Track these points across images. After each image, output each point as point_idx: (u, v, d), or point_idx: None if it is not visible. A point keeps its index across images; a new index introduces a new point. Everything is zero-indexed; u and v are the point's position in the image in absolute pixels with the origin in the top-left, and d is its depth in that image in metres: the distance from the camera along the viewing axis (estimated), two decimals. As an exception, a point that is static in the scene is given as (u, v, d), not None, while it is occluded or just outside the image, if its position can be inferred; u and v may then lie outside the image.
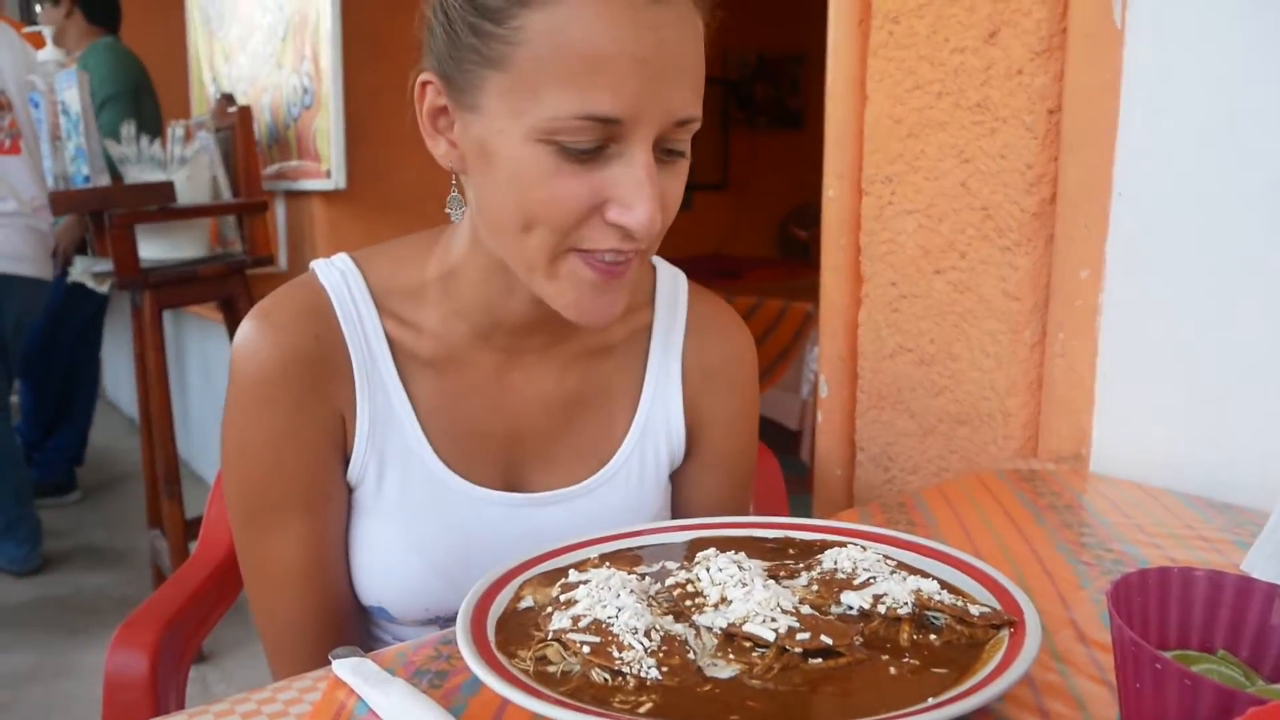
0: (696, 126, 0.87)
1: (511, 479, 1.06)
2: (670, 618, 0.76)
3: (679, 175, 0.89)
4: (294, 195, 4.30)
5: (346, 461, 1.02)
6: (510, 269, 0.92)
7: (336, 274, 1.02)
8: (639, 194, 0.82)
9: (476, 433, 1.04)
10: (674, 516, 1.16)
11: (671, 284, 1.14)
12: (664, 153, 0.86)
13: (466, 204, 0.96)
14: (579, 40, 0.80)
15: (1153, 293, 1.29)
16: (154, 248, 3.18)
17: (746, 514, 1.22)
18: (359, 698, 0.75)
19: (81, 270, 3.19)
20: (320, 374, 0.99)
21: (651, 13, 0.80)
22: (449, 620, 0.99)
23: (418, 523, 1.02)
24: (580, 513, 1.06)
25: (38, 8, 4.18)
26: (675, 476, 1.16)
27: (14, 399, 4.09)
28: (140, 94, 4.25)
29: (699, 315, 1.13)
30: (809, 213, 6.25)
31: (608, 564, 0.84)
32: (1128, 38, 1.28)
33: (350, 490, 1.04)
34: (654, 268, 1.15)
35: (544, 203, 0.84)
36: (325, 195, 4.01)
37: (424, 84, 0.91)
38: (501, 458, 1.06)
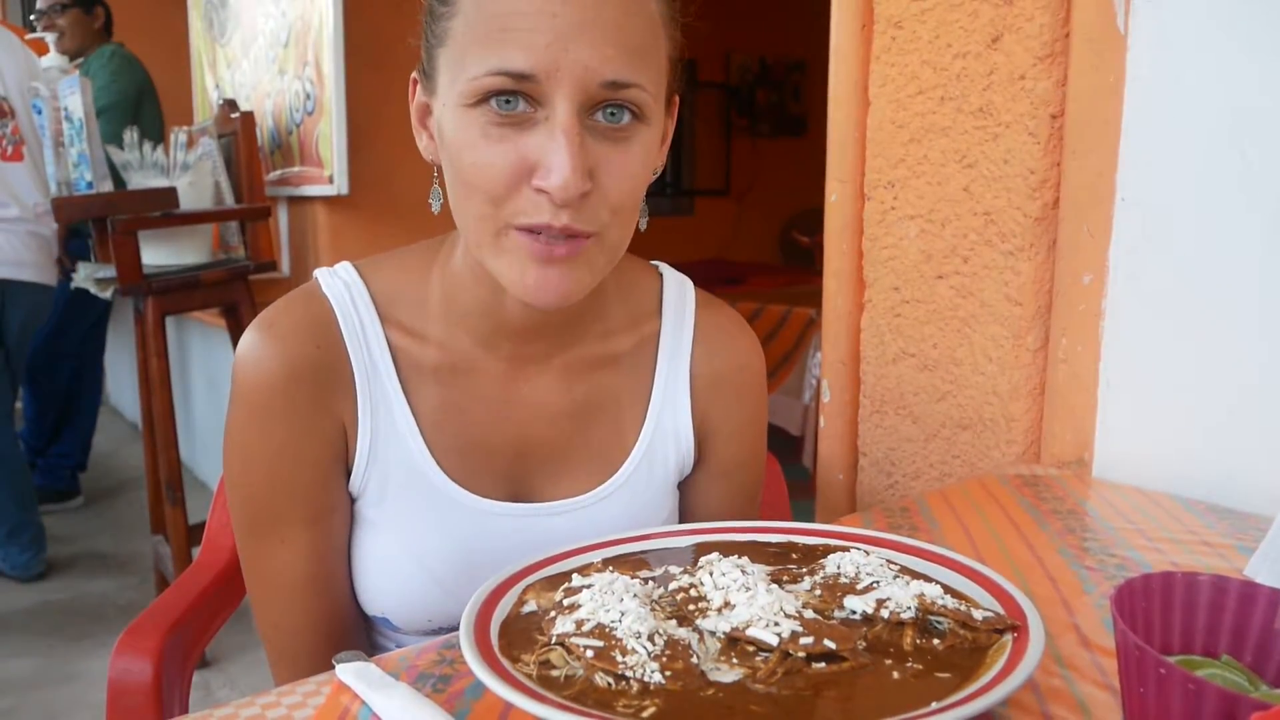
0: (638, 95, 0.85)
1: (518, 490, 1.06)
2: (674, 622, 0.76)
3: (627, 151, 0.86)
4: (296, 201, 4.31)
5: (349, 472, 1.02)
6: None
7: (340, 284, 1.02)
8: (556, 155, 0.82)
9: (482, 444, 1.04)
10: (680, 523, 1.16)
11: (679, 292, 1.13)
12: (604, 120, 0.85)
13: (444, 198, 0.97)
14: (497, 0, 0.82)
15: (1156, 298, 1.29)
16: (157, 254, 3.18)
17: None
18: (362, 702, 0.75)
19: (84, 276, 3.19)
20: (323, 386, 0.98)
21: None
22: (452, 630, 0.99)
23: (420, 535, 1.02)
24: (588, 523, 1.05)
25: (59, 20, 4.19)
26: (683, 485, 1.16)
27: (17, 405, 4.10)
28: (142, 100, 4.26)
29: (707, 323, 1.13)
30: (811, 218, 6.25)
31: (611, 568, 0.84)
32: (1131, 42, 1.28)
33: (352, 500, 1.04)
34: (660, 275, 1.15)
35: (474, 168, 0.85)
36: (328, 201, 4.02)
37: (413, 82, 0.96)
38: (507, 469, 1.05)
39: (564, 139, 0.82)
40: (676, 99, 0.97)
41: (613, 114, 0.85)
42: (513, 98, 0.83)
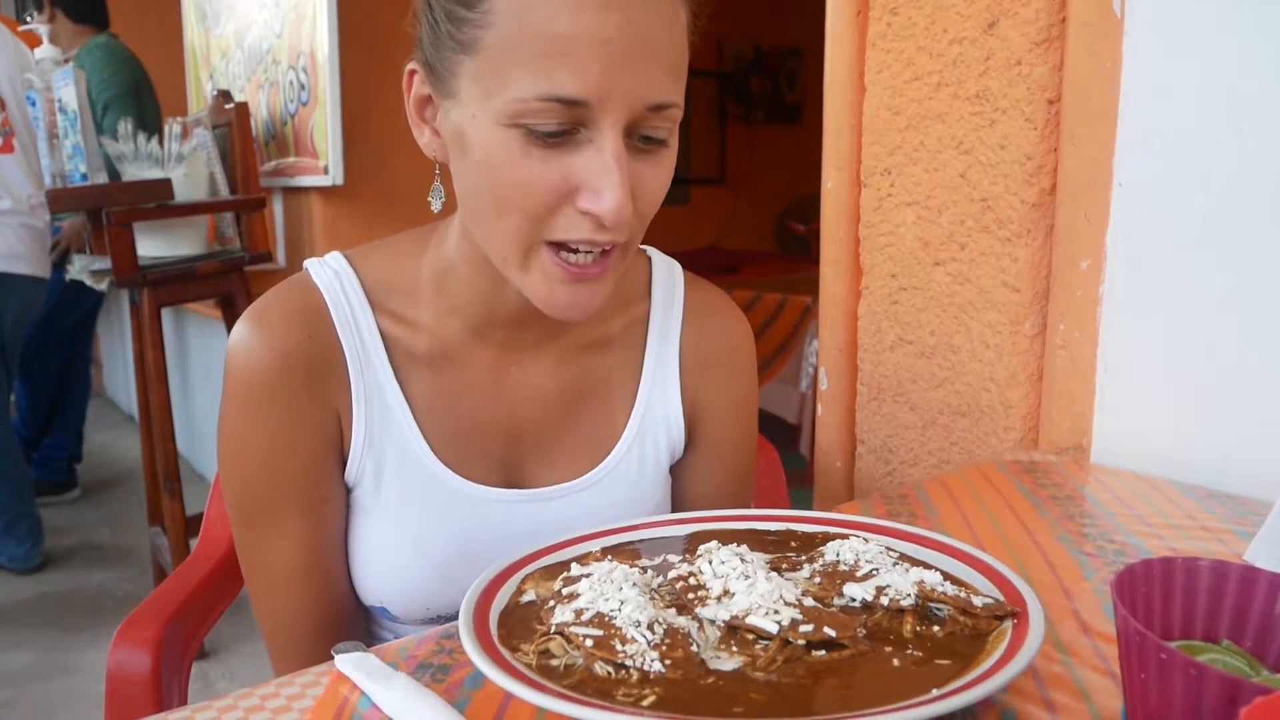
0: (676, 114, 0.85)
1: (511, 476, 1.06)
2: (673, 611, 0.76)
3: (660, 165, 0.87)
4: (291, 192, 4.29)
5: (344, 461, 1.02)
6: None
7: (330, 273, 1.02)
8: (608, 180, 0.81)
9: (475, 430, 1.04)
10: (674, 508, 1.16)
11: (667, 274, 1.14)
12: (641, 140, 0.85)
13: (446, 195, 0.97)
14: (543, 20, 0.80)
15: (1153, 283, 1.29)
16: (152, 245, 3.18)
17: (747, 505, 1.22)
18: (361, 692, 0.74)
19: (80, 268, 3.18)
20: (316, 375, 0.98)
21: None
22: (450, 619, 0.99)
23: (417, 522, 1.02)
24: (581, 507, 1.06)
25: (28, 18, 4.13)
26: (675, 468, 1.16)
27: (10, 397, 4.09)
28: (140, 92, 4.24)
29: (695, 304, 1.13)
30: (807, 206, 6.25)
31: (610, 557, 0.84)
32: (1127, 27, 1.28)
33: (348, 490, 1.04)
34: (649, 259, 1.15)
35: (514, 187, 0.83)
36: (323, 191, 4.00)
37: (410, 73, 0.93)
38: (500, 454, 1.05)
39: (614, 164, 0.81)
40: None
41: (652, 133, 0.85)
42: (558, 120, 0.82)
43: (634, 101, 0.82)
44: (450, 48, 0.86)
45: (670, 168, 0.89)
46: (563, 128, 0.82)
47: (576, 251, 0.86)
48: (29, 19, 4.13)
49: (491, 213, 0.87)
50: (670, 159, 0.88)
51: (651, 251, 1.16)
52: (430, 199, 0.97)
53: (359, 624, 1.09)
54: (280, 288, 1.02)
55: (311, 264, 1.03)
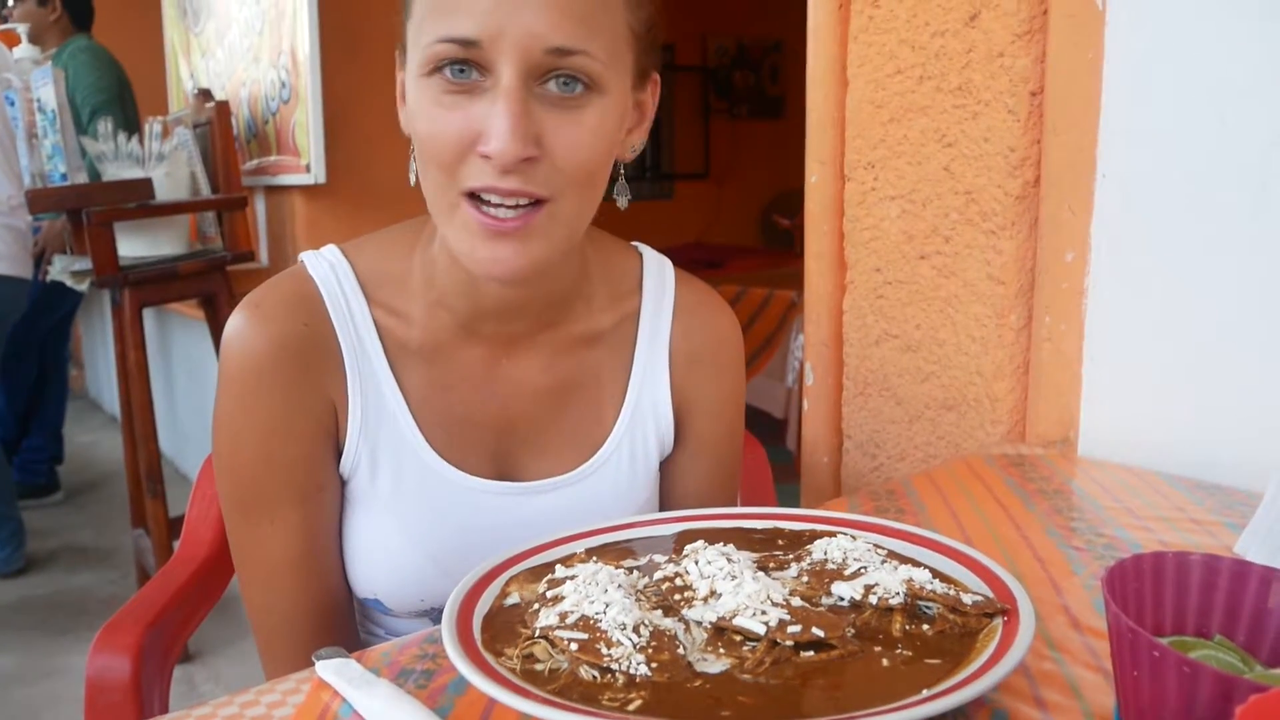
0: (585, 62, 0.84)
1: (503, 468, 1.06)
2: (659, 612, 0.75)
3: (579, 121, 0.86)
4: (273, 190, 4.27)
5: (339, 452, 1.02)
6: None
7: (325, 265, 1.02)
8: (496, 120, 0.82)
9: (467, 422, 1.04)
10: (662, 505, 1.16)
11: (658, 270, 1.14)
12: (558, 87, 0.84)
13: None
14: None
15: (1138, 274, 1.28)
16: (133, 245, 3.15)
17: (734, 501, 1.22)
18: (343, 700, 0.73)
19: (60, 269, 3.16)
20: (311, 364, 0.98)
21: None
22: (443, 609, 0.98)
23: (411, 513, 1.02)
24: (572, 501, 1.06)
25: (10, 1, 4.10)
26: (664, 465, 1.16)
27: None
28: (124, 95, 4.22)
29: (686, 300, 1.13)
30: (791, 200, 6.25)
31: (594, 559, 0.83)
32: (1109, 18, 1.27)
33: (343, 481, 1.03)
34: (640, 255, 1.14)
35: (428, 138, 0.86)
36: (305, 190, 3.99)
37: (397, 57, 0.96)
38: (492, 447, 1.06)
39: (504, 103, 0.82)
40: (656, 78, 0.96)
41: (566, 83, 0.85)
42: (466, 66, 0.84)
43: (529, 42, 0.82)
44: (403, 18, 0.90)
45: (595, 126, 0.87)
46: (471, 78, 0.84)
47: (491, 204, 0.86)
48: (11, 2, 4.11)
49: (420, 168, 0.89)
50: (595, 117, 0.87)
51: (643, 248, 1.16)
52: (410, 174, 0.97)
53: (350, 619, 1.08)
54: (276, 278, 1.02)
55: (307, 256, 1.04)
